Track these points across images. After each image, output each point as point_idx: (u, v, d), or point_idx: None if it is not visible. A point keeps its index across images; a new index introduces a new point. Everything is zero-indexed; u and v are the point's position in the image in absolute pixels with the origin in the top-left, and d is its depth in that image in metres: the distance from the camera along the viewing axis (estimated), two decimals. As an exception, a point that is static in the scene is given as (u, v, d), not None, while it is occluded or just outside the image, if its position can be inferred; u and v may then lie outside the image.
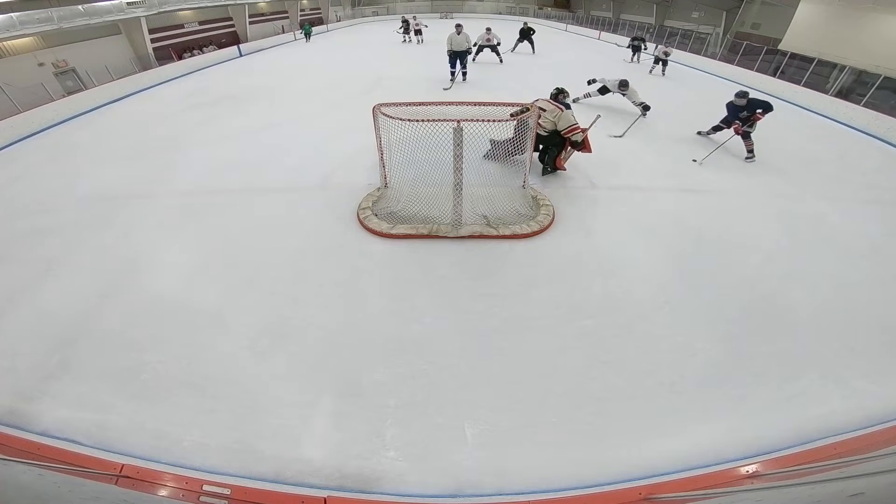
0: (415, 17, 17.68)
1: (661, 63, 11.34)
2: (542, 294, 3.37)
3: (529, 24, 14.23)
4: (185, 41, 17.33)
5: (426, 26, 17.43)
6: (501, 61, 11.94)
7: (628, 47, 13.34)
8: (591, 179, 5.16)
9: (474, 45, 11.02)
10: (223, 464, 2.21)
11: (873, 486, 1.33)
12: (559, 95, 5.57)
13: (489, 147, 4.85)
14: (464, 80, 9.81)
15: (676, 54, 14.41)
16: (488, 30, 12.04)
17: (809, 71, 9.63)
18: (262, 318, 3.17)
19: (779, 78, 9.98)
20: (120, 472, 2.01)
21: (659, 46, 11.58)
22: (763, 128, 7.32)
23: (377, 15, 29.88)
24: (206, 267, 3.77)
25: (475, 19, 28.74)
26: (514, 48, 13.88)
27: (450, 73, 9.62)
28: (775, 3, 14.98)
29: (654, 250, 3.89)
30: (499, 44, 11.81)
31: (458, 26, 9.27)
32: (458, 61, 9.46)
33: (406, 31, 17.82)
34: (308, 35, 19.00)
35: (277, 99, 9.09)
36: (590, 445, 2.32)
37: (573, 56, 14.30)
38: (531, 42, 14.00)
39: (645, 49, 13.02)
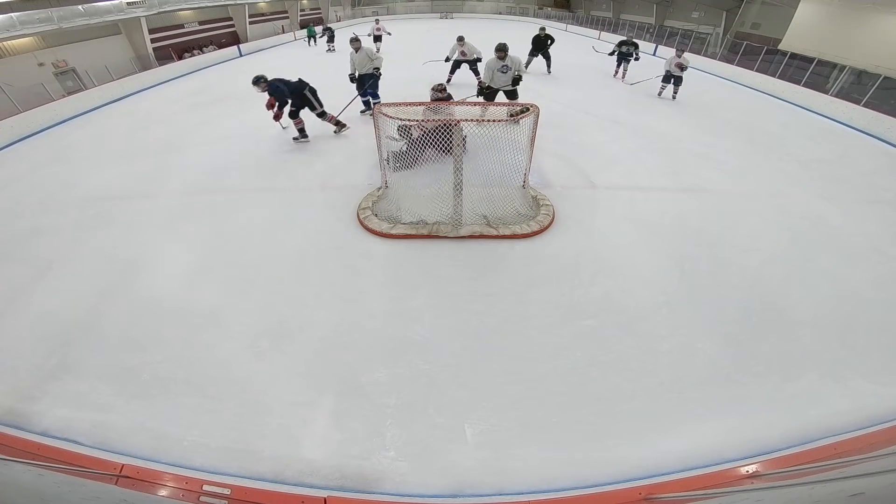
0: (377, 21, 14.77)
1: (672, 80, 8.47)
2: (542, 294, 3.37)
3: (548, 31, 10.33)
4: (185, 41, 17.35)
5: (389, 33, 14.75)
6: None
7: (612, 54, 10.10)
8: (591, 179, 5.16)
9: (445, 59, 9.04)
10: (223, 464, 2.21)
11: (873, 486, 1.33)
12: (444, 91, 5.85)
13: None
14: (366, 111, 7.29)
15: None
16: (461, 40, 8.85)
17: (809, 71, 9.63)
18: (262, 318, 3.17)
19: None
20: (120, 472, 2.01)
21: (671, 56, 8.44)
22: (763, 127, 7.34)
23: (377, 14, 29.91)
24: (206, 267, 3.77)
25: (475, 19, 28.82)
26: (526, 65, 9.91)
27: (362, 104, 7.32)
28: (775, 3, 14.99)
29: (654, 250, 3.89)
30: (478, 59, 8.77)
31: (355, 41, 6.78)
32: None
33: (331, 39, 15.46)
34: (312, 37, 17.71)
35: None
36: (590, 445, 2.32)
37: (581, 59, 13.88)
38: (547, 57, 10.38)
39: (636, 59, 9.80)
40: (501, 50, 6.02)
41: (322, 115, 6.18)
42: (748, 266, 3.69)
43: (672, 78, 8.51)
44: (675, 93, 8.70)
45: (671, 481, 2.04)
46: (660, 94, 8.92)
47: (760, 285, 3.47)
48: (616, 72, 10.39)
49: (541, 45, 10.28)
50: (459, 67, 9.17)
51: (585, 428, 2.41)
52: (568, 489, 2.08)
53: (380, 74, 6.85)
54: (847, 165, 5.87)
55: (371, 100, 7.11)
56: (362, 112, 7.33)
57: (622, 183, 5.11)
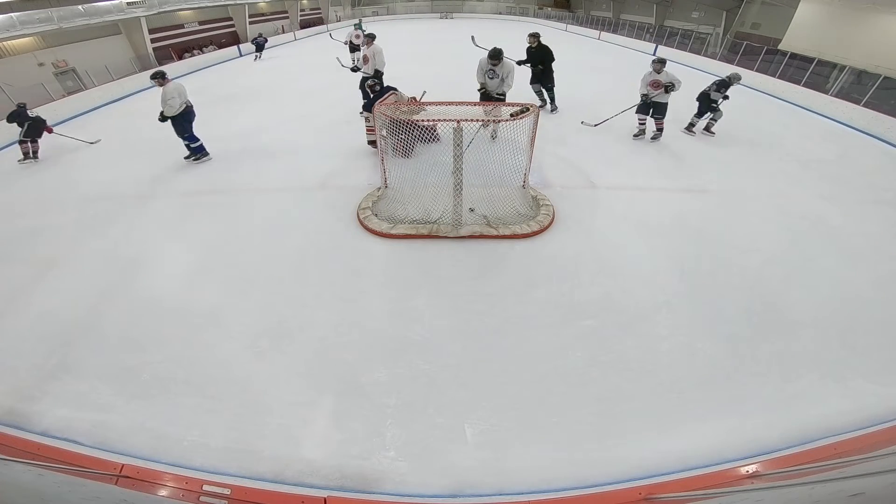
0: (356, 28, 12.63)
1: (651, 110, 5.98)
2: (542, 294, 3.37)
3: (541, 39, 6.91)
4: (185, 41, 17.37)
5: (360, 48, 11.66)
6: (368, 109, 5.96)
7: (715, 102, 6.22)
8: (591, 179, 5.16)
9: (353, 69, 7.28)
10: (223, 464, 2.21)
11: (873, 486, 1.33)
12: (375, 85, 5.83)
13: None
14: (194, 158, 5.78)
15: (677, 55, 14.10)
16: (368, 38, 7.05)
17: (809, 71, 9.64)
18: (262, 318, 3.17)
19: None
20: (120, 472, 2.01)
21: (646, 73, 5.94)
22: (763, 127, 7.34)
23: (377, 15, 29.94)
24: (206, 267, 3.77)
25: (476, 19, 28.83)
26: (549, 106, 7.38)
27: (189, 150, 5.82)
28: (775, 3, 14.99)
29: (654, 250, 3.89)
30: (378, 75, 6.65)
31: (156, 76, 5.41)
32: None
33: (259, 48, 15.10)
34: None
35: (277, 98, 9.10)
36: (590, 445, 2.31)
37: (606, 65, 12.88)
38: (548, 85, 7.23)
39: (725, 98, 6.24)
40: (495, 57, 5.52)
41: (21, 142, 6.27)
42: (748, 266, 3.69)
43: (651, 106, 5.87)
44: (659, 129, 6.03)
45: (671, 481, 2.04)
46: (636, 134, 6.15)
47: (760, 285, 3.46)
48: (695, 124, 6.51)
49: (535, 60, 6.90)
50: (377, 89, 5.90)
51: (585, 428, 2.40)
52: (568, 489, 2.08)
53: (165, 119, 5.51)
54: (847, 165, 5.87)
55: (189, 144, 5.71)
56: (185, 158, 5.85)
57: (622, 183, 5.10)
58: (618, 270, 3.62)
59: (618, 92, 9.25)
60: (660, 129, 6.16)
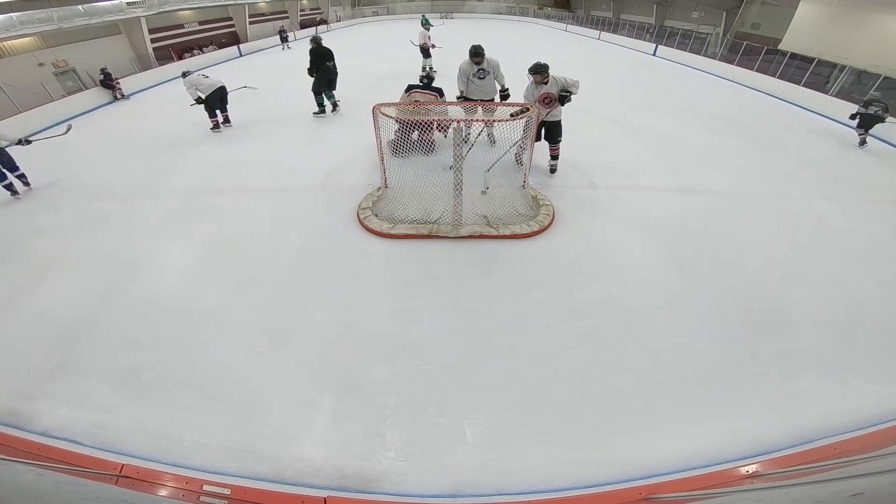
0: (424, 23, 10.39)
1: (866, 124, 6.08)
2: (542, 294, 3.37)
3: (324, 40, 6.72)
4: (185, 41, 17.34)
5: (421, 48, 10.14)
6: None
7: (855, 117, 6.49)
8: (591, 179, 5.16)
9: (198, 101, 6.55)
10: (223, 464, 2.21)
11: (873, 486, 1.33)
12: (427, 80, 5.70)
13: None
14: (11, 194, 5.06)
15: (677, 55, 14.14)
16: (427, 26, 6.43)
17: (809, 71, 9.64)
18: (262, 318, 3.17)
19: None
20: (120, 472, 2.01)
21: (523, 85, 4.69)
22: (763, 127, 7.34)
23: (377, 15, 29.93)
24: (205, 267, 3.77)
25: (476, 19, 28.82)
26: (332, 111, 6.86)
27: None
28: (775, 3, 14.98)
29: (654, 250, 3.89)
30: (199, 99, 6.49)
31: None
32: None
33: (284, 40, 17.72)
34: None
35: (277, 98, 9.09)
36: (590, 445, 2.31)
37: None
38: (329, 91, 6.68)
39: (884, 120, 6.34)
40: (477, 55, 4.99)
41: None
42: (748, 266, 3.69)
43: (544, 128, 4.63)
44: (555, 157, 4.93)
45: (671, 481, 2.04)
46: (517, 158, 4.61)
47: (760, 285, 3.46)
48: (863, 142, 6.50)
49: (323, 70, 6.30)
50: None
51: (585, 428, 2.40)
52: (568, 489, 2.08)
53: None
54: (847, 165, 5.87)
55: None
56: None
57: (622, 183, 5.10)
58: (618, 270, 3.62)
59: (612, 93, 9.25)
60: (556, 157, 4.91)
